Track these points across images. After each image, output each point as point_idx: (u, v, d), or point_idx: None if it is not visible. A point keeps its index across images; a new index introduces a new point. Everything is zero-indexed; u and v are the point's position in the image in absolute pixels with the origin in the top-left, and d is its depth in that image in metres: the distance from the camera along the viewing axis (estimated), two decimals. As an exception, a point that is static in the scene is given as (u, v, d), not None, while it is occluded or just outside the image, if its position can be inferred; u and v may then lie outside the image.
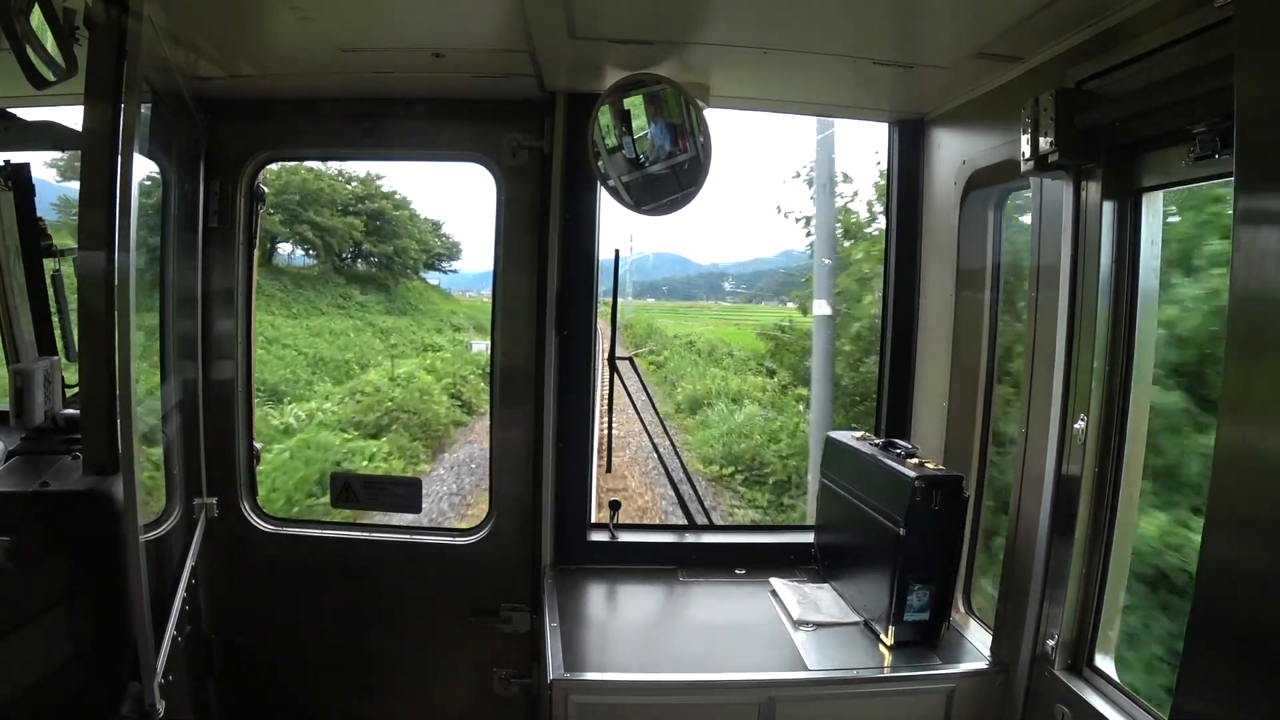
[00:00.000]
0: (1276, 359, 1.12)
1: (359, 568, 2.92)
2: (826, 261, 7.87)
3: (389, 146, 2.89)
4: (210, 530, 2.81)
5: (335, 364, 16.06)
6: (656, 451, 3.27)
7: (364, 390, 13.80)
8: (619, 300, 2.88)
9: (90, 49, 1.75)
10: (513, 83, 2.60)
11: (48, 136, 2.25)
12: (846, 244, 9.15)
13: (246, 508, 2.92)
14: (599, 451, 3.06)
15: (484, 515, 2.96)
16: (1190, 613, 1.27)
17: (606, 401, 2.89)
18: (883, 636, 2.32)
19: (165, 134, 2.40)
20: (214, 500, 2.83)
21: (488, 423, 3.02)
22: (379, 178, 19.09)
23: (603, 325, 2.90)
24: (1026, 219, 2.24)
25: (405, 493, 3.01)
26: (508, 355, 2.87)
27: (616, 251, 2.86)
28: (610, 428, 2.93)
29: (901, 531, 2.23)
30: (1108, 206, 1.89)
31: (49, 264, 2.66)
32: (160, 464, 2.49)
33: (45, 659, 1.78)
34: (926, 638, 2.31)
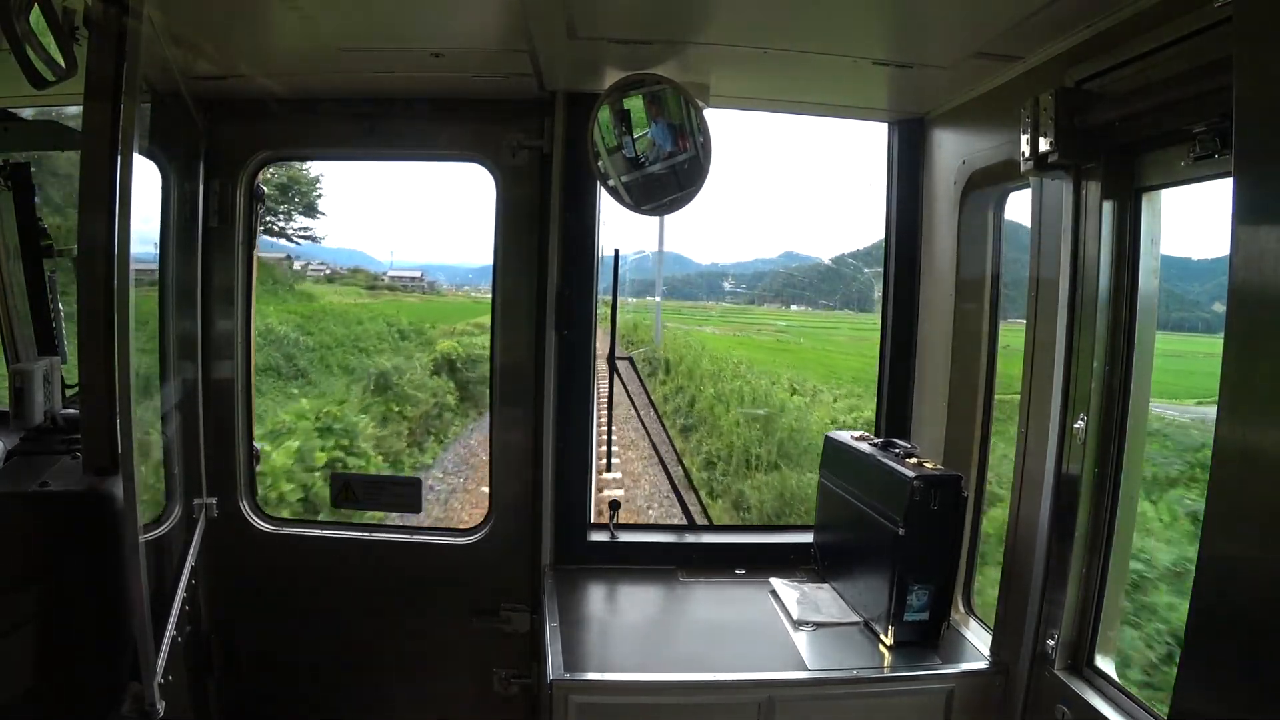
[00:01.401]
0: (1276, 358, 1.12)
1: (359, 568, 2.91)
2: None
3: (389, 146, 2.89)
4: (210, 530, 2.80)
5: None
6: (656, 451, 3.27)
7: None
8: (619, 300, 2.88)
9: (90, 49, 1.75)
10: (512, 82, 2.60)
11: (48, 136, 2.26)
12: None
13: (246, 508, 2.92)
14: (598, 451, 3.06)
15: (484, 515, 2.96)
16: (1189, 611, 1.27)
17: (606, 401, 2.90)
18: (882, 636, 2.32)
19: (165, 134, 2.40)
20: (214, 500, 2.82)
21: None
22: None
23: (599, 330, 2.89)
24: (1026, 220, 2.24)
25: (405, 493, 3.01)
26: (508, 355, 2.87)
27: (616, 251, 2.87)
28: (610, 427, 2.93)
29: (901, 531, 2.23)
30: (1107, 206, 1.89)
31: (47, 264, 2.66)
32: (160, 464, 2.49)
33: (45, 659, 1.78)
34: (926, 638, 2.31)
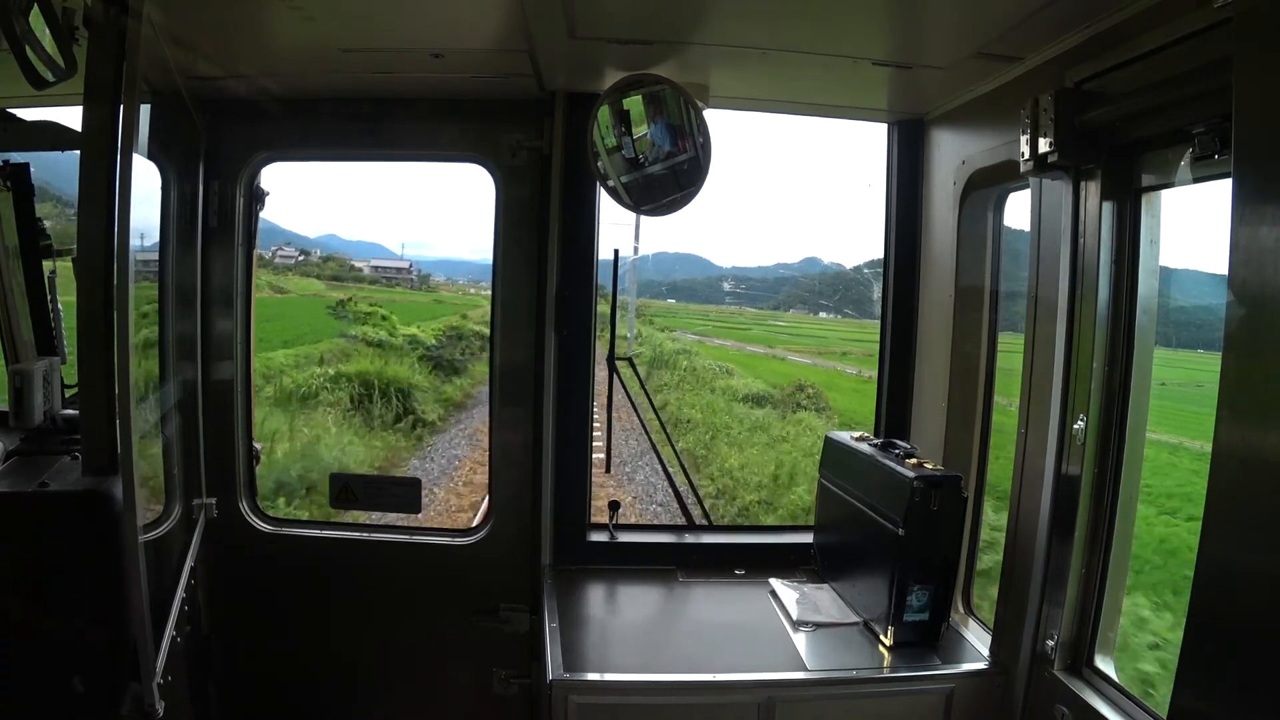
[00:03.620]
0: (1275, 359, 1.12)
1: (359, 568, 2.91)
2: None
3: (389, 146, 2.89)
4: (210, 530, 2.80)
5: None
6: (655, 451, 3.27)
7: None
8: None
9: (90, 49, 1.75)
10: (512, 83, 2.60)
11: (48, 136, 2.25)
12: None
13: (246, 508, 2.92)
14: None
15: (484, 515, 2.96)
16: (1189, 612, 1.27)
17: (606, 401, 2.90)
18: (882, 637, 2.32)
19: (165, 134, 2.40)
20: (213, 500, 2.82)
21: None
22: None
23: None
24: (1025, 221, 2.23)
25: (405, 493, 3.01)
26: (507, 355, 2.87)
27: (616, 251, 2.87)
28: (610, 427, 2.92)
29: (901, 532, 2.23)
30: (1107, 206, 1.89)
31: (47, 264, 2.66)
32: (160, 464, 2.49)
33: (45, 660, 1.78)
34: (926, 638, 2.31)
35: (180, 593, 2.35)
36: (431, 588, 2.90)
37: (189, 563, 2.52)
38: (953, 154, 2.62)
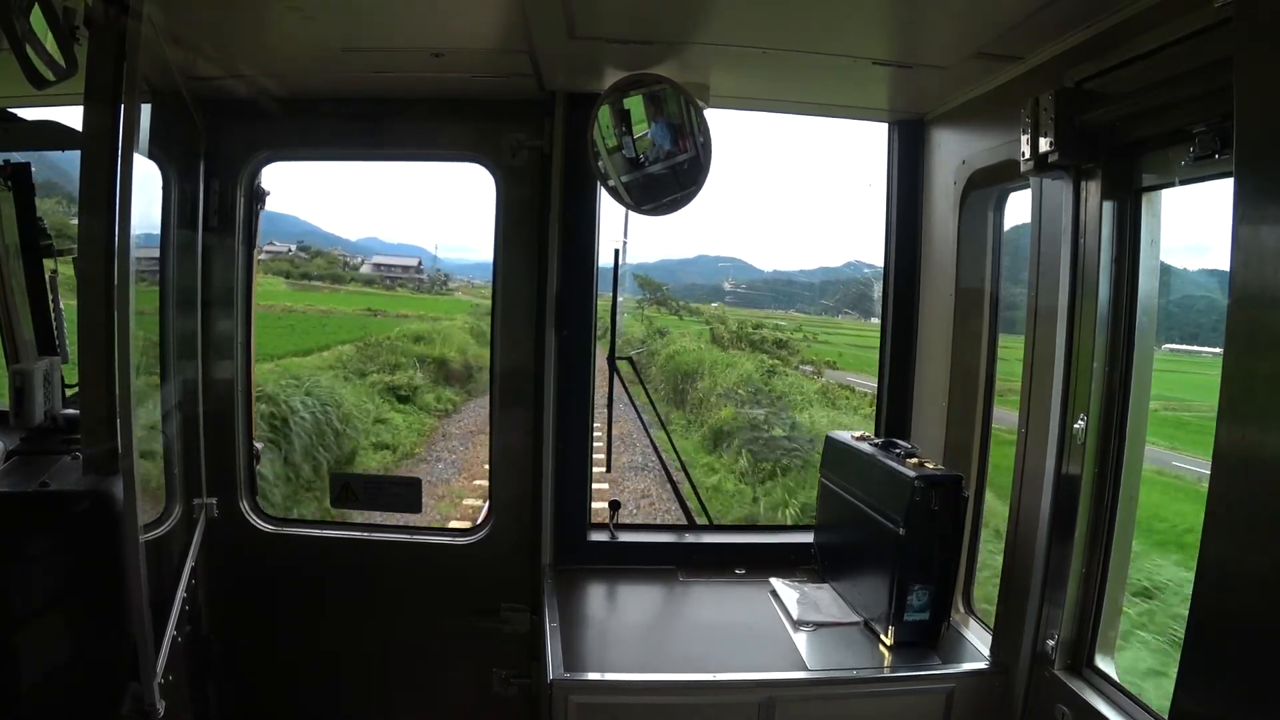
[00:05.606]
0: (1276, 359, 1.12)
1: (359, 568, 2.92)
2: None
3: (389, 146, 2.89)
4: (210, 530, 2.80)
5: None
6: (656, 452, 3.27)
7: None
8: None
9: (90, 49, 1.75)
10: (512, 82, 2.60)
11: (48, 136, 2.25)
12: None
13: (246, 508, 2.92)
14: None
15: (484, 515, 2.96)
16: (1189, 613, 1.27)
17: (606, 401, 2.90)
18: (883, 636, 2.32)
19: (165, 134, 2.40)
20: (214, 500, 2.82)
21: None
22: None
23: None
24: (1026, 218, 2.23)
25: (405, 493, 3.01)
26: (507, 355, 2.87)
27: (616, 251, 2.88)
28: (610, 427, 2.92)
29: (901, 531, 2.23)
30: (1108, 206, 1.89)
31: (48, 264, 2.66)
32: (160, 464, 2.49)
33: (45, 659, 1.78)
34: (926, 638, 2.31)
35: (180, 593, 2.35)
36: (431, 588, 2.90)
37: (189, 563, 2.52)
38: (953, 154, 2.62)
